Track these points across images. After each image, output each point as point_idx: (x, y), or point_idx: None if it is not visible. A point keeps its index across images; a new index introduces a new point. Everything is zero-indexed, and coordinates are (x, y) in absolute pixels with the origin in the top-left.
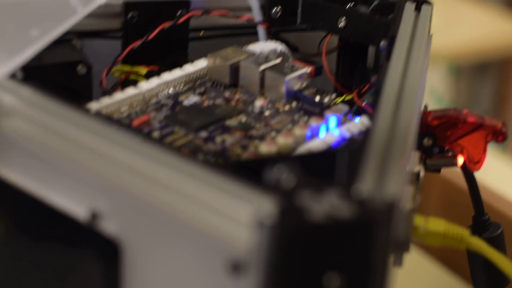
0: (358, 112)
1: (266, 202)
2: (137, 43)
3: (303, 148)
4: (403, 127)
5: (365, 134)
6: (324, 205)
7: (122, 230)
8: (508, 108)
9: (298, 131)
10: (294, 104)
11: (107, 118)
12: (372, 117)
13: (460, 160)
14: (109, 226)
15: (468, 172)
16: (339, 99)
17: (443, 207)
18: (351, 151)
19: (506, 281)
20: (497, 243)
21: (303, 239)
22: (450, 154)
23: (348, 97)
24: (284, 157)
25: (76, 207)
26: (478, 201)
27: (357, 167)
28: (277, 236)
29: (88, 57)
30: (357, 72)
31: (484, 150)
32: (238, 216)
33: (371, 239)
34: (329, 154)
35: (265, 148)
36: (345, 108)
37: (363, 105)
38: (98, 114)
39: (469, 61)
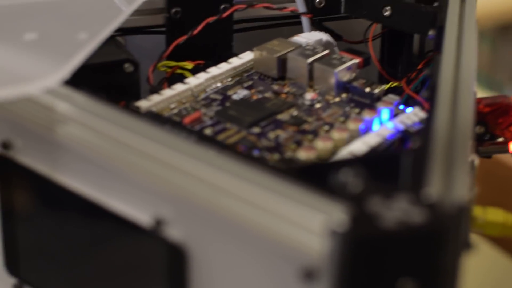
0: (408, 101)
1: (337, 209)
2: (182, 38)
3: (359, 143)
4: (463, 123)
5: (425, 132)
6: (395, 211)
7: (188, 236)
8: None
9: (351, 125)
10: (344, 95)
11: (158, 116)
12: (429, 112)
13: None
14: (174, 232)
15: None
16: (386, 86)
17: (482, 180)
18: (414, 151)
19: None
20: None
21: (376, 246)
22: (501, 140)
23: (394, 84)
24: (348, 159)
25: (139, 213)
26: None
27: (423, 169)
28: (350, 243)
29: (134, 54)
30: (403, 60)
31: None
32: (309, 224)
33: (443, 243)
34: (393, 155)
35: (321, 144)
36: (395, 98)
37: (414, 95)
38: (150, 113)
39: (490, 23)
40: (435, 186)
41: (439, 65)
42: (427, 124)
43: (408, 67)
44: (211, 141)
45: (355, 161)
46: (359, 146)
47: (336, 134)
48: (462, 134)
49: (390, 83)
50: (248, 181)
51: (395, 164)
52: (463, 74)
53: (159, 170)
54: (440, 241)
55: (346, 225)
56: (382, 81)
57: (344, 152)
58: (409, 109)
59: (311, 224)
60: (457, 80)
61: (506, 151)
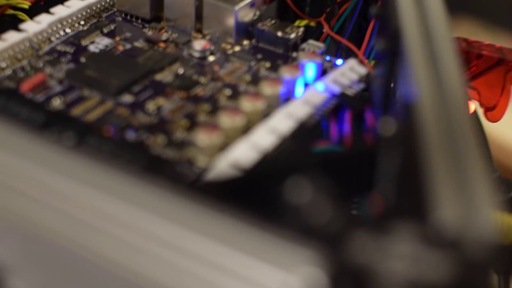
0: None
1: (303, 262)
2: None
3: (281, 117)
4: (456, 98)
5: (401, 111)
6: (398, 258)
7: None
8: None
9: (267, 88)
10: (246, 43)
11: None
12: (384, 70)
13: (472, 107)
14: None
15: (477, 121)
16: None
17: None
18: (395, 147)
19: None
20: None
21: None
22: None
23: (303, 23)
24: (290, 159)
25: None
26: (487, 156)
27: (420, 178)
28: None
29: None
30: None
31: (504, 93)
32: None
33: None
34: (364, 150)
35: (227, 120)
36: (320, 46)
37: (345, 40)
38: None
39: None
40: (448, 207)
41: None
42: (393, 94)
43: (321, 1)
44: (61, 120)
45: (306, 164)
46: (283, 122)
47: (248, 104)
48: (461, 117)
49: (300, 21)
50: (147, 215)
51: (370, 168)
52: (431, 12)
53: None
54: None
55: None
56: (289, 18)
57: (262, 132)
58: (338, 61)
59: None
60: (426, 24)
61: None
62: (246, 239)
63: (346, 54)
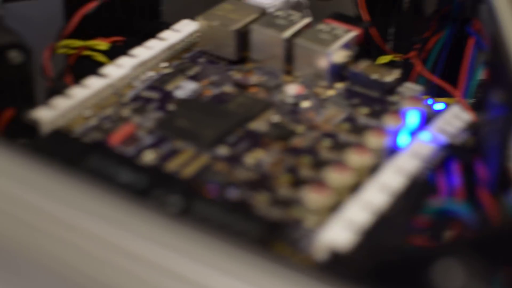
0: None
1: None
2: (91, 5)
3: (390, 172)
4: None
5: None
6: None
7: None
8: None
9: (372, 139)
10: (339, 86)
11: (69, 139)
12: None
13: None
14: None
15: None
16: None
17: None
18: None
19: None
20: None
21: None
22: None
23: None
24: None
25: None
26: None
27: None
28: None
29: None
30: (399, 27)
31: None
32: None
33: None
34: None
35: (337, 176)
36: (419, 89)
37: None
38: (58, 134)
39: None
40: None
41: (504, 44)
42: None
43: (405, 35)
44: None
45: (461, 246)
46: (393, 178)
47: (355, 158)
48: None
49: (384, 57)
50: None
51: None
52: None
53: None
54: None
55: None
56: (372, 54)
57: (373, 189)
58: (438, 105)
59: None
60: None
61: None
62: None
63: (439, 94)
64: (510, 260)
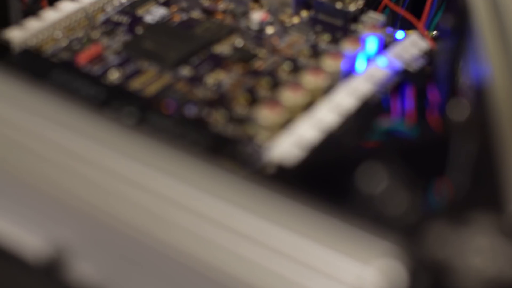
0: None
1: (380, 255)
2: None
3: (343, 94)
4: None
5: (473, 92)
6: (477, 253)
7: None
8: None
9: (328, 63)
10: (304, 14)
11: (38, 57)
12: (451, 48)
13: None
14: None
15: None
16: None
17: None
18: (471, 136)
19: None
20: None
21: None
22: None
23: None
24: (369, 148)
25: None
26: None
27: (493, 167)
28: None
29: None
30: None
31: None
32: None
33: None
34: (429, 134)
35: (290, 96)
36: (380, 18)
37: (404, 12)
38: (25, 53)
39: None
40: None
41: None
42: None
43: None
44: (120, 95)
45: (382, 152)
46: (345, 99)
47: (310, 79)
48: None
49: None
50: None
51: (438, 152)
52: None
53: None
54: None
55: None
56: None
57: (325, 109)
58: (399, 34)
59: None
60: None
61: None
62: (321, 229)
63: (404, 26)
64: (438, 170)
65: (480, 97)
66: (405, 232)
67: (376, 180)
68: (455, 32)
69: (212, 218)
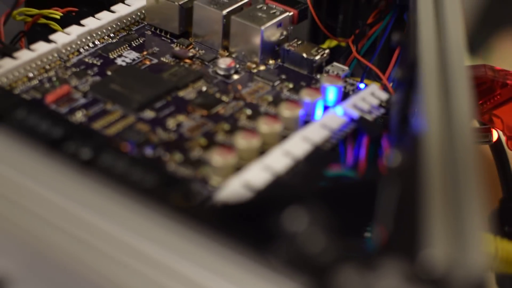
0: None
1: None
2: None
3: (297, 139)
4: (464, 134)
5: (409, 144)
6: None
7: None
8: None
9: (286, 111)
10: (271, 62)
11: (8, 94)
12: (401, 96)
13: (495, 135)
14: None
15: (500, 149)
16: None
17: None
18: (399, 184)
19: None
20: None
21: None
22: (482, 127)
23: (334, 44)
24: (296, 190)
25: None
26: (510, 184)
27: (415, 216)
28: None
29: None
30: (347, 13)
31: None
32: None
33: None
34: (359, 186)
35: (243, 141)
36: (344, 69)
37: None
38: None
39: None
40: (438, 246)
41: (415, 27)
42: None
43: (352, 21)
44: (81, 134)
45: (306, 195)
46: (298, 145)
47: (264, 127)
48: (466, 151)
49: (331, 42)
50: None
51: (368, 202)
52: (450, 43)
53: None
54: None
55: None
56: (317, 39)
57: (277, 154)
58: (361, 85)
59: None
60: (444, 55)
61: (489, 141)
62: (233, 268)
63: (373, 78)
64: (365, 215)
65: (415, 147)
66: (314, 274)
67: (298, 222)
68: (404, 84)
69: (137, 250)
